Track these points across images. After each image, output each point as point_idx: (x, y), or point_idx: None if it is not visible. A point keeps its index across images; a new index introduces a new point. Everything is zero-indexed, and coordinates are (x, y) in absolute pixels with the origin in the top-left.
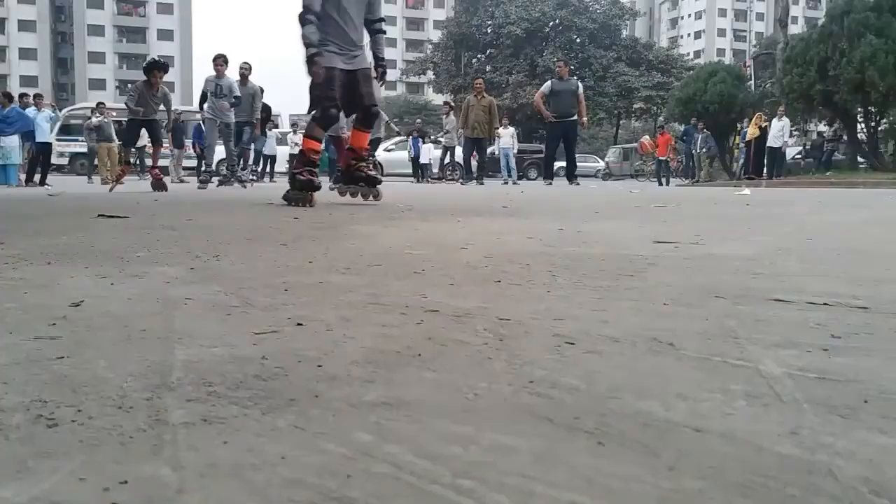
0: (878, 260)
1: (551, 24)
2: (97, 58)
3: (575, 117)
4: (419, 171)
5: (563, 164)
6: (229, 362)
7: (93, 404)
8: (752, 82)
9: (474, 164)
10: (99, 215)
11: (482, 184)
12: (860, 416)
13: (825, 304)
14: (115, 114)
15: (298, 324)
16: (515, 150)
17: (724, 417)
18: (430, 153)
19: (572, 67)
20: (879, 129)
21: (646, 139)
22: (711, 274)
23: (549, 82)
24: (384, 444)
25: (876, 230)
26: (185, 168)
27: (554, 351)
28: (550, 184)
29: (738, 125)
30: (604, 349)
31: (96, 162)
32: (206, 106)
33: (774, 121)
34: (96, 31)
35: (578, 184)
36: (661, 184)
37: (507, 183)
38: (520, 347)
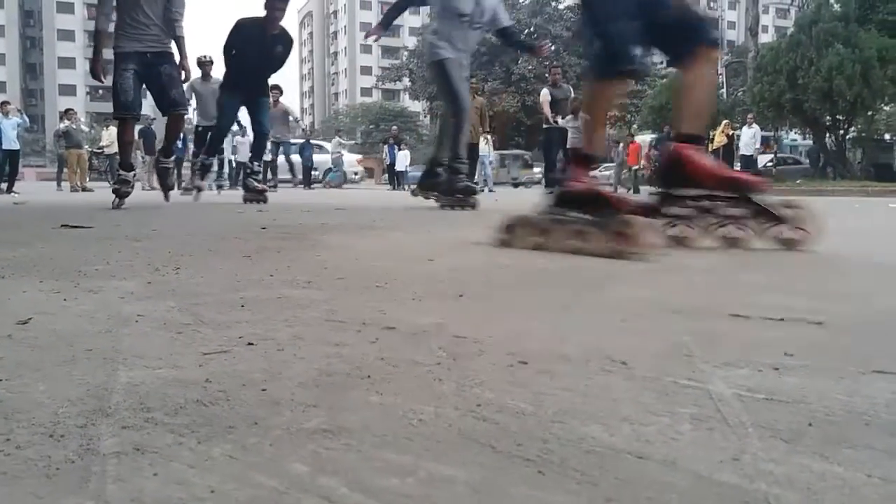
0: (840, 270)
1: (526, 31)
2: (67, 63)
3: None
4: (395, 178)
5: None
6: (172, 385)
7: (23, 432)
8: (724, 90)
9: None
10: (62, 225)
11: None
12: (803, 440)
13: (781, 319)
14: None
15: (249, 343)
16: (492, 158)
17: (668, 443)
18: (406, 160)
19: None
20: (847, 137)
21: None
22: (672, 287)
23: (546, 90)
24: (319, 476)
25: (840, 239)
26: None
27: (506, 371)
28: (552, 192)
29: (711, 132)
30: (556, 369)
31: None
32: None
33: (745, 128)
34: (66, 35)
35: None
36: (636, 191)
37: (483, 190)
38: (472, 368)
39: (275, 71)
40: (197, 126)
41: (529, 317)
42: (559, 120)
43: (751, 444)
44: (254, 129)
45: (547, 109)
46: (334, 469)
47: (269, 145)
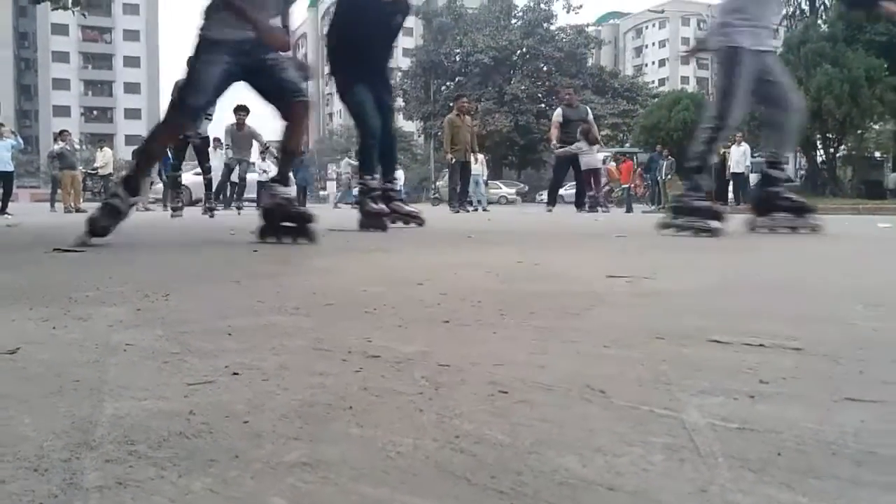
0: (823, 295)
1: (518, 52)
2: (62, 84)
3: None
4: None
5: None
6: (156, 417)
7: (8, 466)
8: None
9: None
10: (54, 249)
11: (468, 211)
12: (771, 470)
13: (761, 345)
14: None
15: (234, 373)
16: (485, 177)
17: (640, 473)
18: (400, 179)
19: (540, 95)
20: (837, 155)
21: (611, 166)
22: (656, 312)
23: (560, 109)
24: None
25: (827, 264)
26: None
27: (486, 401)
28: (550, 210)
29: None
30: (535, 398)
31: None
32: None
33: (733, 147)
34: (61, 57)
35: (588, 210)
36: (629, 210)
37: (476, 210)
38: (453, 397)
39: (392, 52)
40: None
41: (513, 343)
42: (575, 146)
43: (720, 474)
44: (384, 133)
45: (554, 132)
46: (311, 503)
47: (219, 166)
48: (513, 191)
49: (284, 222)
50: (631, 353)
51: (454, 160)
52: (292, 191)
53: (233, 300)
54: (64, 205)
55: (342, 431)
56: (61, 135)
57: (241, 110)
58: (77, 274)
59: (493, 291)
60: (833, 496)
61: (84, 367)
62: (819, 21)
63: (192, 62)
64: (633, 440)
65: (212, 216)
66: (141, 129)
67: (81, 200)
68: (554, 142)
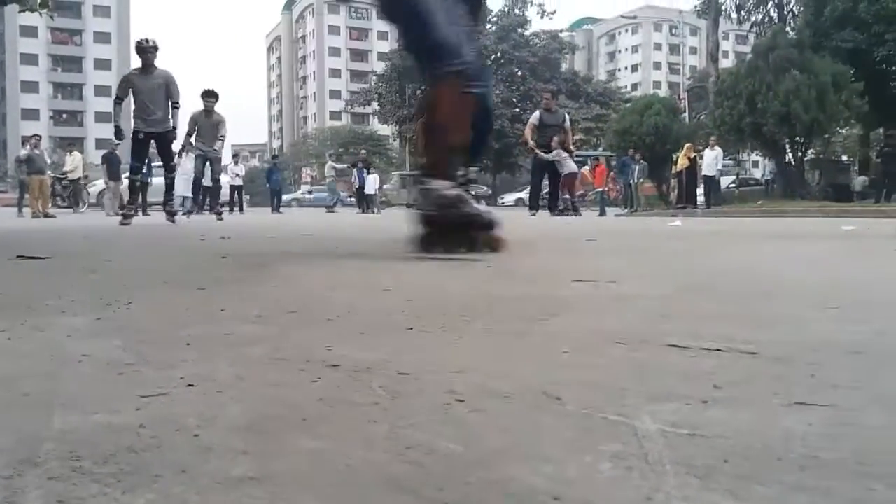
0: (782, 297)
1: (493, 57)
2: (30, 87)
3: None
4: (364, 201)
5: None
6: (105, 432)
7: None
8: (687, 114)
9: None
10: (18, 256)
11: None
12: (717, 477)
13: (718, 349)
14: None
15: (189, 384)
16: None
17: (586, 482)
18: (375, 183)
19: (515, 100)
20: (805, 159)
21: (585, 170)
22: (619, 316)
23: (537, 113)
24: None
25: (789, 266)
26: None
27: (442, 410)
28: (534, 215)
29: (674, 155)
30: (491, 406)
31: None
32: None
33: (707, 151)
34: (29, 60)
35: (563, 214)
36: (602, 213)
37: None
38: (409, 407)
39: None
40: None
41: (475, 349)
42: (554, 153)
43: (666, 481)
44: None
45: (528, 133)
46: None
47: (192, 162)
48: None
49: (456, 228)
50: (590, 359)
51: None
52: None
53: (195, 308)
54: (32, 210)
55: (293, 444)
56: (31, 139)
57: (211, 96)
58: (40, 282)
59: (460, 297)
60: (775, 502)
61: (36, 380)
62: (787, 28)
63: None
64: (583, 448)
65: (172, 221)
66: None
67: (49, 205)
68: (530, 143)
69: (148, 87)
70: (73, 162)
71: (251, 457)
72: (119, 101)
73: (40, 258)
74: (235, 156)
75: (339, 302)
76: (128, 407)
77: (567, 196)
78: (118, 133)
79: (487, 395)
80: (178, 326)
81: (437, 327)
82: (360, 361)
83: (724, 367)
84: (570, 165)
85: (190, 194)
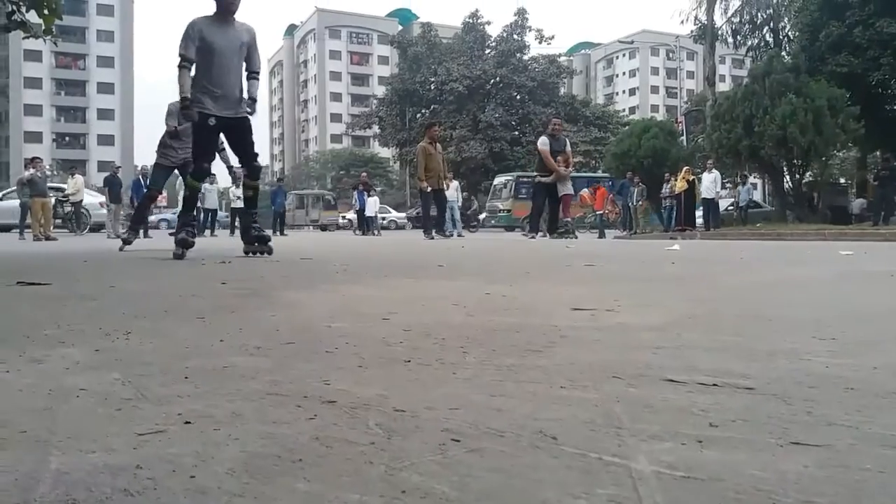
0: (780, 328)
1: (492, 81)
2: (34, 110)
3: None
4: (364, 223)
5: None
6: (102, 472)
7: None
8: (685, 137)
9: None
10: (18, 282)
11: (446, 236)
12: None
13: (714, 384)
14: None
15: (186, 422)
16: (459, 203)
17: None
18: (375, 206)
19: (514, 123)
20: (803, 182)
21: (585, 192)
22: (616, 349)
23: (545, 138)
24: None
25: (786, 295)
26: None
27: (437, 451)
28: (534, 237)
29: (672, 178)
30: (487, 446)
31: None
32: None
33: (705, 174)
34: (33, 83)
35: (561, 236)
36: (601, 236)
37: (451, 236)
38: (405, 447)
39: None
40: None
41: (472, 385)
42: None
43: None
44: None
45: (550, 159)
46: None
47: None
48: (402, 215)
49: None
50: (586, 395)
51: (430, 188)
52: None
53: (194, 338)
54: (33, 233)
55: (288, 487)
56: (33, 161)
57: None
58: (39, 310)
59: (458, 326)
60: None
61: (33, 416)
62: (783, 53)
63: None
64: (578, 492)
65: (263, 252)
66: (114, 155)
67: (52, 228)
68: (554, 167)
69: (226, 44)
70: (74, 185)
71: (246, 500)
72: (188, 64)
73: (40, 284)
74: (237, 179)
75: (336, 332)
76: (125, 446)
77: (565, 218)
78: (188, 114)
79: (484, 434)
80: (177, 358)
81: (435, 360)
82: (357, 397)
83: (721, 403)
84: (568, 187)
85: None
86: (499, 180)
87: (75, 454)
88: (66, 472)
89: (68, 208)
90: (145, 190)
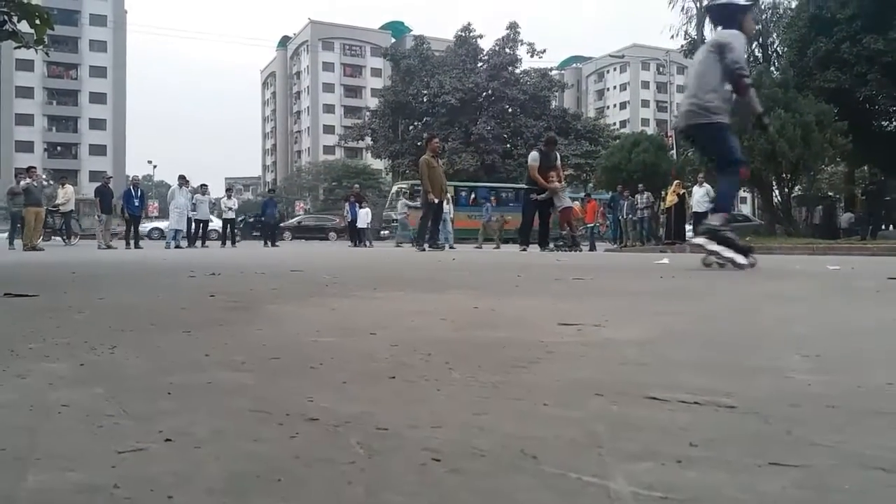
0: (765, 344)
1: (484, 94)
2: (25, 120)
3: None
4: (356, 235)
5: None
6: (80, 492)
7: None
8: (675, 151)
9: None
10: (5, 294)
11: (440, 248)
12: None
13: (696, 402)
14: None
15: (167, 439)
16: (452, 215)
17: None
18: (367, 217)
19: (505, 136)
20: (792, 195)
21: (576, 205)
22: (601, 365)
23: (536, 153)
24: None
25: (771, 310)
26: (113, 234)
27: (418, 471)
28: (525, 250)
29: (663, 192)
30: (467, 466)
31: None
32: None
33: (696, 188)
34: (25, 92)
35: (552, 250)
36: (592, 248)
37: (443, 248)
38: (385, 467)
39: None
40: None
41: (456, 402)
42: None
43: None
44: None
45: (538, 177)
46: None
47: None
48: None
49: None
50: (569, 413)
51: (436, 200)
52: None
53: (179, 352)
54: (24, 242)
55: None
56: (28, 171)
57: None
58: (25, 322)
59: (445, 342)
60: None
61: (14, 433)
62: (771, 68)
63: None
64: None
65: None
66: (106, 165)
67: (41, 238)
68: (543, 183)
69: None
70: (65, 195)
71: None
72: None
73: (28, 296)
74: (229, 189)
75: (322, 347)
76: (104, 464)
77: (570, 232)
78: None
79: (465, 454)
80: (161, 373)
81: (420, 376)
82: (340, 415)
83: (701, 422)
84: (566, 200)
85: (182, 227)
86: (395, 188)
87: (54, 472)
88: (44, 490)
89: (59, 219)
90: (136, 201)
